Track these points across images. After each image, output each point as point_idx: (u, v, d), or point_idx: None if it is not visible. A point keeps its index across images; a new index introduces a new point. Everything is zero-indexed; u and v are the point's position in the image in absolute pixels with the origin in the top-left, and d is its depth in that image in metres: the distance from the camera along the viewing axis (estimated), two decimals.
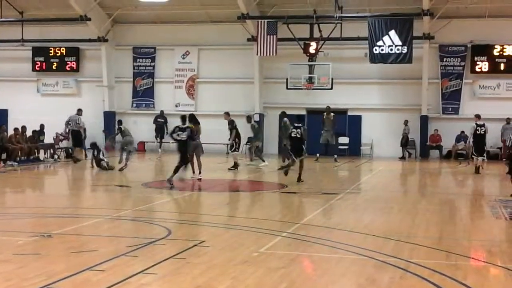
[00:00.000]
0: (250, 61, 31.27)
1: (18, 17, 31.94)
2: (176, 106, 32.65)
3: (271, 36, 29.17)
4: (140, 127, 31.92)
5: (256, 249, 9.31)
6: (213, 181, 19.32)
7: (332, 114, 27.21)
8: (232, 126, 23.32)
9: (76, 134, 24.66)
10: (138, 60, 33.19)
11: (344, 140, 30.83)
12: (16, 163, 23.09)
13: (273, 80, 31.44)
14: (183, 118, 17.78)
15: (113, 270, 7.93)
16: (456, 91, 30.24)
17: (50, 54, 33.58)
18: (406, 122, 29.98)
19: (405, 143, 30.06)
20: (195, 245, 9.49)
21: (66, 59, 33.50)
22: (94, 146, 22.35)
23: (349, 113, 31.37)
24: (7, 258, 8.63)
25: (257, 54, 30.10)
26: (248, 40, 30.81)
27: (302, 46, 29.11)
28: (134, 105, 33.33)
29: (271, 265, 8.40)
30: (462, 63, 30.15)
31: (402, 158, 29.84)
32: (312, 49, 29.02)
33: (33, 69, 33.83)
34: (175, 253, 8.91)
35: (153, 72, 33.13)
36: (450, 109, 30.32)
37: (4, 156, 23.23)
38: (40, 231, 10.42)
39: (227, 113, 23.82)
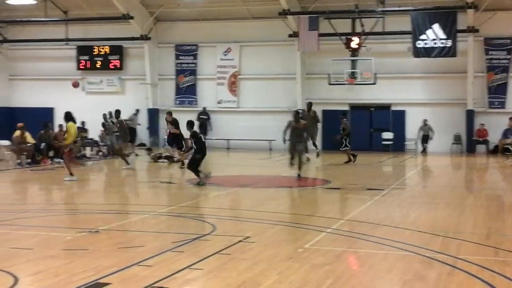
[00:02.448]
0: (292, 57, 31.20)
1: (62, 17, 32.44)
2: (219, 103, 32.78)
3: (313, 32, 29.05)
4: (184, 124, 32.06)
5: (301, 245, 9.28)
6: (256, 177, 19.34)
7: (313, 110, 25.03)
8: (177, 126, 22.59)
9: (132, 131, 26.63)
10: (180, 57, 33.41)
11: (388, 135, 30.58)
12: (62, 160, 23.47)
13: (315, 75, 31.31)
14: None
15: (159, 265, 8.01)
16: (502, 84, 29.69)
17: (94, 53, 34.04)
18: (425, 121, 29.70)
19: (424, 139, 29.80)
20: (240, 241, 9.51)
21: (109, 57, 33.93)
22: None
23: (393, 108, 31.07)
24: (56, 253, 8.78)
25: (298, 50, 30.04)
26: (290, 36, 30.74)
27: (344, 41, 28.93)
28: (177, 102, 33.55)
29: (316, 261, 8.37)
30: (508, 56, 29.57)
31: (423, 151, 29.61)
32: (354, 44, 28.79)
33: (78, 68, 34.34)
34: (220, 248, 8.94)
35: (196, 69, 33.30)
36: (496, 103, 29.79)
37: (51, 153, 23.67)
38: (87, 227, 10.57)
39: (169, 113, 23.67)
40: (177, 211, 12.82)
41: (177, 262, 8.18)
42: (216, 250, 8.86)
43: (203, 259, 8.34)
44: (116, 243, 9.45)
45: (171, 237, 9.93)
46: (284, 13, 29.65)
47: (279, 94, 31.84)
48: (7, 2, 31.59)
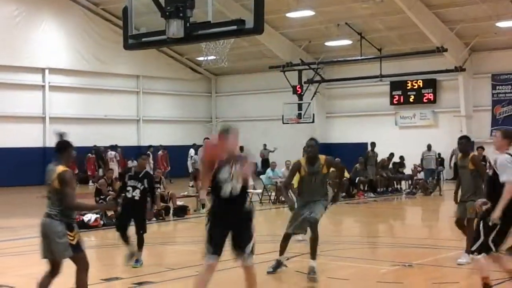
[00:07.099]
0: None
1: (377, 54, 33.24)
2: None
3: None
4: None
5: None
6: None
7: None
8: None
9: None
10: (497, 87, 32.08)
11: None
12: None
13: None
14: None
15: None
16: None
17: (408, 87, 34.33)
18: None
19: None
20: None
21: (423, 91, 33.93)
22: None
23: None
24: (370, 285, 8.97)
25: None
26: None
27: None
28: (493, 133, 32.12)
29: None
30: None
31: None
32: None
33: (391, 103, 34.89)
34: None
35: None
36: None
37: (365, 188, 24.51)
38: (401, 261, 10.61)
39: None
40: None
41: None
42: None
43: None
44: (430, 278, 9.34)
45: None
46: None
47: None
48: (326, 44, 33.54)
